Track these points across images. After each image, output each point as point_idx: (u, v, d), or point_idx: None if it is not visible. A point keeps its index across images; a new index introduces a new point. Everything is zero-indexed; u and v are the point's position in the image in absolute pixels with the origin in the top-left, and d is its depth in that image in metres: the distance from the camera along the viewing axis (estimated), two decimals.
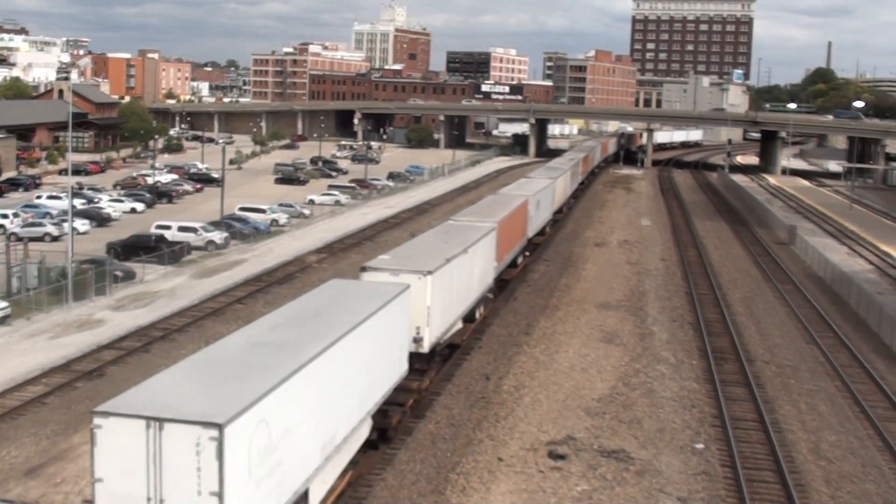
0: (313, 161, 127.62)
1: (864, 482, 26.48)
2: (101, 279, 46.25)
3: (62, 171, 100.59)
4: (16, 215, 65.48)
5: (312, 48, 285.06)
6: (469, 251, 34.93)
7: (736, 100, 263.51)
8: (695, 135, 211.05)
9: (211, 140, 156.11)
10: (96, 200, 76.80)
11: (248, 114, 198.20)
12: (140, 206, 77.61)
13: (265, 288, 49.24)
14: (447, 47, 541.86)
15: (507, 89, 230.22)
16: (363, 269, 30.12)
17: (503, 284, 48.00)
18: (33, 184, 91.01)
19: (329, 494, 21.87)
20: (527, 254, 55.92)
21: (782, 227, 76.76)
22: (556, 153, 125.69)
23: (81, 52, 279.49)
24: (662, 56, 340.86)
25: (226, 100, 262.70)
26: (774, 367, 37.56)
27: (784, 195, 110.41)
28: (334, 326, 22.01)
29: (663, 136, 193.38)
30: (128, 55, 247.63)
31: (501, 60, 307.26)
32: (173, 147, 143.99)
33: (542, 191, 59.65)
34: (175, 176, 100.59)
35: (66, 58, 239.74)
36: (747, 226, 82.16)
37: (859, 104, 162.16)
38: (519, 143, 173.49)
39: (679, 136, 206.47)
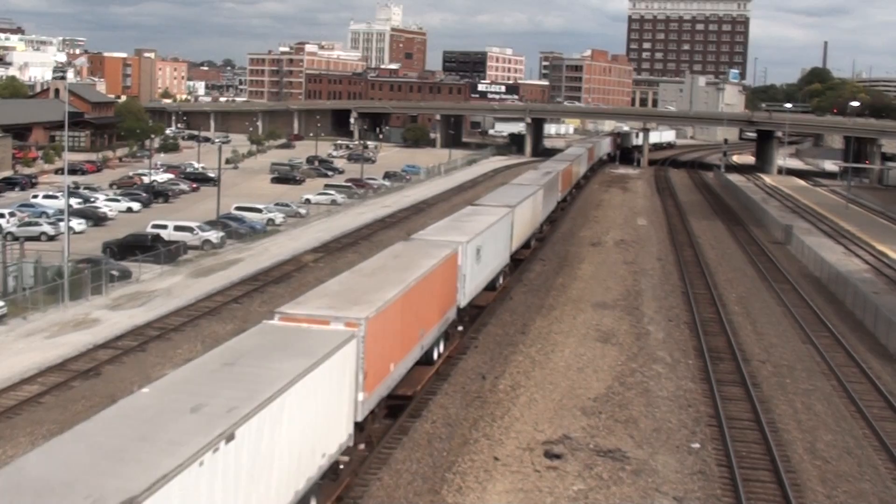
0: (309, 160, 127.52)
1: (860, 482, 26.52)
2: (98, 278, 46.19)
3: (58, 171, 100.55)
4: (12, 214, 65.35)
5: (309, 47, 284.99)
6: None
7: (732, 99, 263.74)
8: (667, 135, 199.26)
9: (207, 139, 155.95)
10: (92, 200, 76.68)
11: (245, 113, 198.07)
12: (136, 206, 77.49)
13: (261, 287, 49.23)
14: (443, 47, 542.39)
15: (503, 89, 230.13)
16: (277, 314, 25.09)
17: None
18: (29, 183, 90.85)
19: None
20: (460, 328, 38.02)
21: (778, 226, 76.83)
22: (553, 152, 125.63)
23: (78, 51, 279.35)
24: (658, 56, 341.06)
25: (222, 99, 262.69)
26: (770, 367, 37.59)
27: (780, 195, 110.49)
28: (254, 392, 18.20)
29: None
30: (124, 54, 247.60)
31: (498, 60, 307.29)
32: (169, 146, 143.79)
33: (487, 230, 41.28)
34: (171, 175, 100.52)
35: (62, 57, 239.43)
36: (743, 225, 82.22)
37: (855, 104, 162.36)
38: (515, 142, 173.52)
39: (652, 137, 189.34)
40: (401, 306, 27.54)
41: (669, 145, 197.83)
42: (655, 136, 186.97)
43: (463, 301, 36.85)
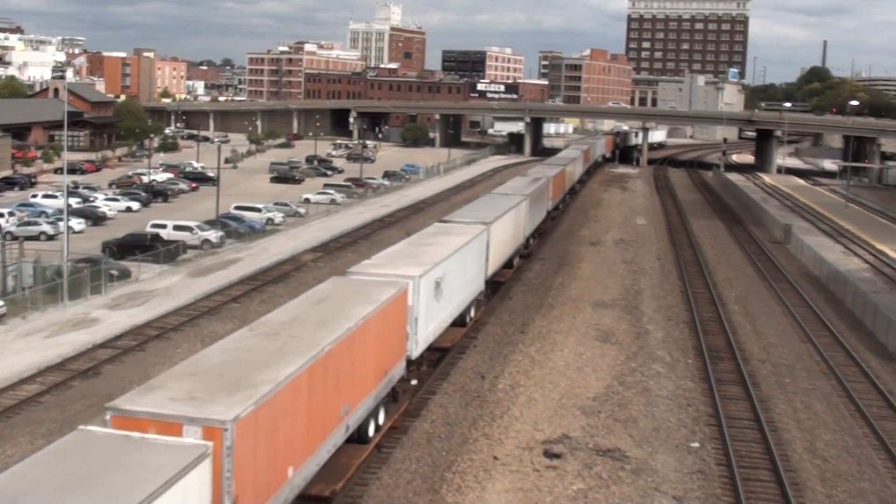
0: (309, 160, 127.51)
1: (860, 481, 26.52)
2: (97, 278, 46.18)
3: (57, 170, 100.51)
4: (11, 214, 65.34)
5: (308, 47, 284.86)
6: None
7: (731, 99, 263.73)
8: (657, 135, 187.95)
9: (206, 139, 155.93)
10: (92, 199, 76.67)
11: (244, 112, 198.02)
12: (135, 205, 77.48)
13: (260, 287, 49.22)
14: (443, 46, 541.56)
15: (502, 88, 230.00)
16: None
17: None
18: (29, 183, 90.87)
19: None
20: (413, 381, 31.18)
21: (778, 225, 76.82)
22: (552, 152, 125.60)
23: (77, 50, 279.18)
24: (658, 55, 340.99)
25: (221, 99, 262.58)
26: (770, 366, 37.59)
27: (779, 194, 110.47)
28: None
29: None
30: (123, 54, 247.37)
31: (497, 59, 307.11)
32: (169, 146, 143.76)
33: (452, 256, 34.41)
34: (170, 175, 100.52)
35: (61, 57, 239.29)
36: (743, 224, 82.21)
37: (854, 103, 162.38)
38: (514, 141, 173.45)
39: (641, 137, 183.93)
40: (308, 382, 20.33)
41: (660, 145, 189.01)
42: (634, 139, 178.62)
43: (415, 350, 29.50)
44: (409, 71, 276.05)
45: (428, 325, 30.96)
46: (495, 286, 46.77)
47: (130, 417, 16.97)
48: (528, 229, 56.28)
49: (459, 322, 36.96)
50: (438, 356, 34.73)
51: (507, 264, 49.72)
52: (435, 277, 31.43)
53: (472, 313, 39.61)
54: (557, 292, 49.95)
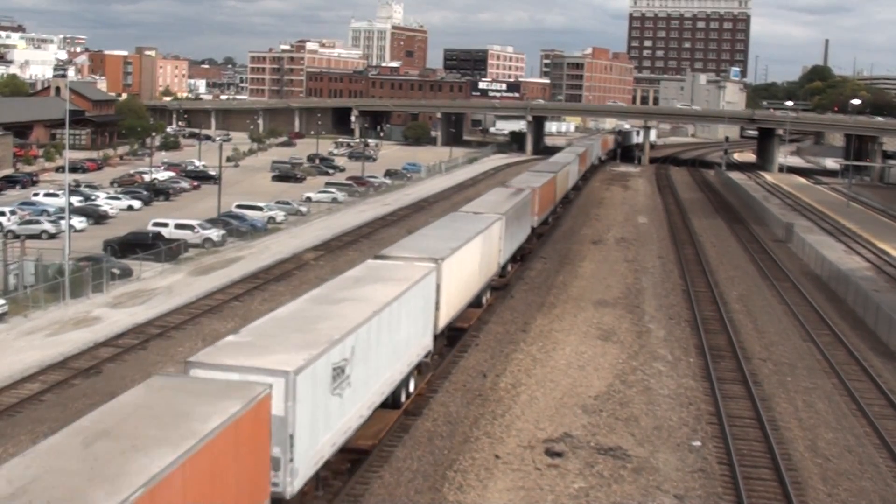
0: (310, 158, 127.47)
1: (861, 479, 26.52)
2: (98, 276, 46.21)
3: (59, 169, 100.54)
4: (13, 213, 65.34)
5: (310, 45, 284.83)
6: None
7: (733, 97, 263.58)
8: (651, 135, 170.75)
9: (208, 137, 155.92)
10: (93, 198, 76.68)
11: (246, 111, 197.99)
12: (137, 204, 77.47)
13: (262, 285, 49.23)
14: (444, 45, 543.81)
15: (504, 87, 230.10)
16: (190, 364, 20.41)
17: None
18: (30, 181, 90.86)
19: None
20: None
21: (779, 224, 76.79)
22: (554, 150, 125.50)
23: (78, 49, 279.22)
24: (660, 53, 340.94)
25: (223, 97, 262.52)
26: (771, 365, 37.58)
27: (781, 193, 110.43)
28: None
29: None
30: (125, 52, 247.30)
31: (499, 58, 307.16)
32: (170, 144, 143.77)
33: (367, 324, 24.91)
34: (172, 173, 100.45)
35: (63, 55, 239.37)
36: (744, 223, 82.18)
37: (856, 102, 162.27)
38: (516, 140, 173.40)
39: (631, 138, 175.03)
40: None
41: (651, 146, 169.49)
42: (635, 138, 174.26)
43: (291, 485, 20.19)
44: (410, 69, 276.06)
45: (317, 440, 21.49)
46: (454, 335, 37.57)
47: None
48: (503, 255, 47.09)
49: (393, 403, 28.02)
50: (350, 462, 25.12)
51: (475, 302, 40.77)
52: (332, 362, 21.93)
53: (411, 387, 30.07)
54: (559, 291, 49.95)
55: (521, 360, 36.56)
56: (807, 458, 27.96)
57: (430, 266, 31.97)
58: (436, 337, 32.86)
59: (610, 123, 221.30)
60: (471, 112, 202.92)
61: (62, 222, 55.81)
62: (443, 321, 33.61)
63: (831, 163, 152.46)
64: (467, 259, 37.62)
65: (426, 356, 31.61)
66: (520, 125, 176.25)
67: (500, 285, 47.76)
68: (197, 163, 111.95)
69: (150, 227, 60.31)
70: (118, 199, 77.70)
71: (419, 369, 31.14)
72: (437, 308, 32.60)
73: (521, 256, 55.58)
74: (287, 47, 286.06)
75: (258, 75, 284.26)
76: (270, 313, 25.08)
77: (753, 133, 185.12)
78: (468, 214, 46.40)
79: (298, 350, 21.23)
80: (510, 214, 48.45)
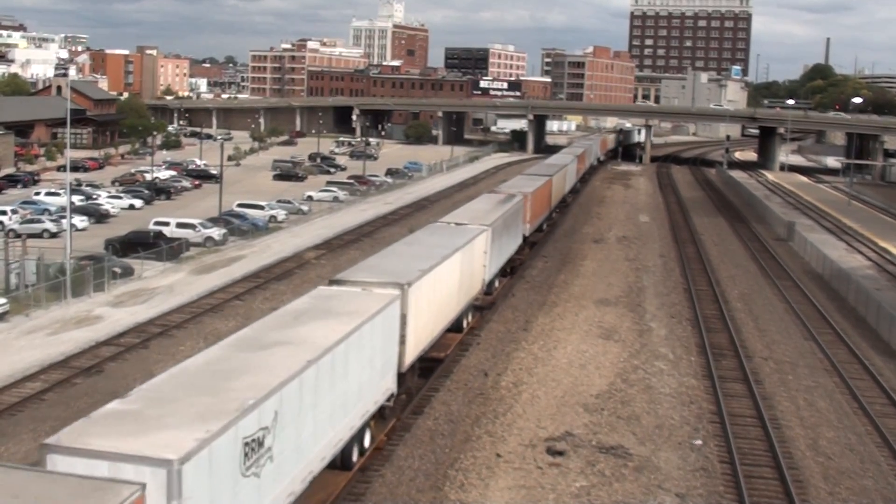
0: (311, 157, 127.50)
1: (863, 478, 26.51)
2: (100, 275, 46.22)
3: (60, 168, 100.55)
4: (14, 212, 65.40)
5: (311, 44, 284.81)
6: None
7: (734, 96, 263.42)
8: (640, 136, 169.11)
9: (209, 136, 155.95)
10: (94, 197, 76.72)
11: (247, 110, 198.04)
12: (138, 203, 77.49)
13: (263, 284, 49.24)
14: (445, 43, 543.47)
15: (505, 85, 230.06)
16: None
17: None
18: (31, 180, 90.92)
19: None
20: None
21: (781, 223, 76.77)
22: (555, 149, 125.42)
23: (80, 48, 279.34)
24: (661, 52, 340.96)
25: (224, 96, 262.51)
26: (773, 364, 37.57)
27: (782, 191, 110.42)
28: None
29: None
30: (126, 51, 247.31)
31: (500, 57, 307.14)
32: (171, 144, 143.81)
33: (293, 382, 19.63)
34: (173, 172, 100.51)
35: (64, 54, 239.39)
36: (746, 222, 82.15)
37: (858, 100, 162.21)
38: (517, 139, 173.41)
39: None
40: None
41: (639, 146, 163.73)
42: (637, 136, 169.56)
43: None
44: (411, 68, 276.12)
45: None
46: (428, 367, 32.93)
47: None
48: (489, 270, 42.31)
49: (339, 464, 23.44)
50: None
51: (455, 326, 36.05)
52: (243, 436, 17.27)
53: (368, 440, 25.49)
54: (560, 290, 49.94)
55: (522, 359, 36.56)
56: (808, 456, 27.96)
57: (392, 294, 27.17)
58: (402, 375, 28.19)
59: (611, 122, 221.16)
60: (472, 111, 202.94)
61: (63, 221, 55.82)
62: (410, 356, 28.76)
63: (832, 161, 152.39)
64: (443, 280, 32.76)
65: (388, 399, 26.79)
66: (521, 124, 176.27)
67: (485, 304, 42.30)
68: (198, 162, 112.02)
69: (152, 226, 60.33)
70: (119, 198, 77.74)
71: (382, 412, 26.64)
72: (402, 342, 27.76)
73: (511, 269, 51.10)
74: (288, 46, 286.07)
75: (259, 74, 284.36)
76: (178, 365, 20.02)
77: (755, 132, 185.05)
78: (448, 226, 41.48)
79: (195, 424, 16.35)
80: (497, 225, 43.67)
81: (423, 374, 32.45)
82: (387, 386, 26.56)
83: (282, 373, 19.39)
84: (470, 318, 39.21)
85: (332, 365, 21.69)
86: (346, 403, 22.90)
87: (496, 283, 45.52)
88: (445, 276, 33.11)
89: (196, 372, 19.47)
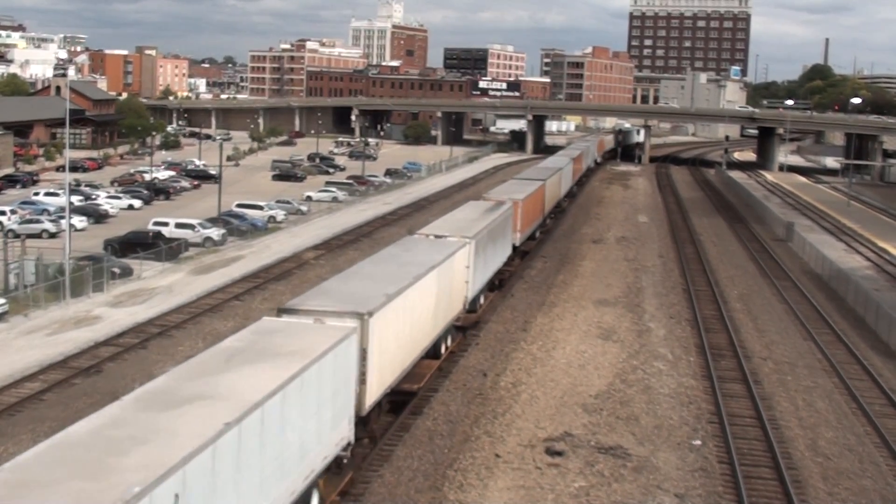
0: (311, 157, 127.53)
1: (862, 479, 26.51)
2: (99, 276, 46.21)
3: (59, 168, 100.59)
4: (13, 212, 65.39)
5: (310, 45, 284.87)
6: None
7: (733, 96, 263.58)
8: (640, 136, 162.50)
9: (208, 136, 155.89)
10: (94, 197, 76.74)
11: (246, 110, 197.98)
12: (137, 203, 77.51)
13: (262, 284, 49.23)
14: (445, 44, 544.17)
15: (504, 86, 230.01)
16: None
17: None
18: (31, 180, 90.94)
19: None
20: None
21: (780, 223, 76.78)
22: (554, 149, 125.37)
23: (79, 48, 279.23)
24: (660, 52, 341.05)
25: (223, 96, 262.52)
26: (772, 364, 37.58)
27: (781, 192, 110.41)
28: None
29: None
30: (125, 52, 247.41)
31: (499, 57, 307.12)
32: (171, 144, 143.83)
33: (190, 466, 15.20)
34: (172, 172, 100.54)
35: (63, 54, 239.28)
36: (745, 222, 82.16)
37: (857, 101, 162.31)
38: (516, 139, 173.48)
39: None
40: None
41: (638, 146, 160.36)
42: (636, 137, 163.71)
43: None
44: (411, 69, 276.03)
45: None
46: (399, 401, 29.07)
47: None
48: (472, 287, 37.90)
49: None
50: None
51: (432, 353, 32.23)
52: None
53: (317, 502, 21.58)
54: (559, 290, 49.94)
55: (521, 359, 36.56)
56: (807, 457, 27.96)
57: (349, 326, 23.20)
58: (363, 419, 24.55)
59: (610, 123, 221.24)
60: (471, 111, 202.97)
61: (62, 221, 55.78)
62: (373, 396, 25.15)
63: (832, 162, 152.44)
64: (416, 303, 29.02)
65: (346, 449, 22.93)
66: (520, 124, 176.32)
67: (468, 324, 38.16)
68: (197, 162, 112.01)
69: (151, 227, 60.33)
70: (118, 198, 77.75)
71: (339, 462, 22.82)
72: (361, 381, 24.00)
73: (499, 282, 47.43)
74: (287, 46, 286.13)
75: (258, 74, 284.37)
76: (62, 432, 15.93)
77: (754, 132, 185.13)
78: (426, 239, 37.33)
79: None
80: (482, 237, 39.65)
81: (393, 409, 28.98)
82: (341, 436, 22.53)
83: (188, 442, 15.27)
84: (449, 341, 35.24)
85: (263, 423, 17.69)
86: (283, 466, 18.88)
87: (481, 300, 41.50)
88: (418, 298, 29.27)
89: (80, 443, 15.33)
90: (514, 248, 50.99)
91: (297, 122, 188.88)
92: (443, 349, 33.97)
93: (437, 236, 37.58)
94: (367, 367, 24.20)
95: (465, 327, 37.96)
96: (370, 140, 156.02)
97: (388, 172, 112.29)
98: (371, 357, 24.37)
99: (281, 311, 24.94)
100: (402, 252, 33.80)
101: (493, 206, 47.61)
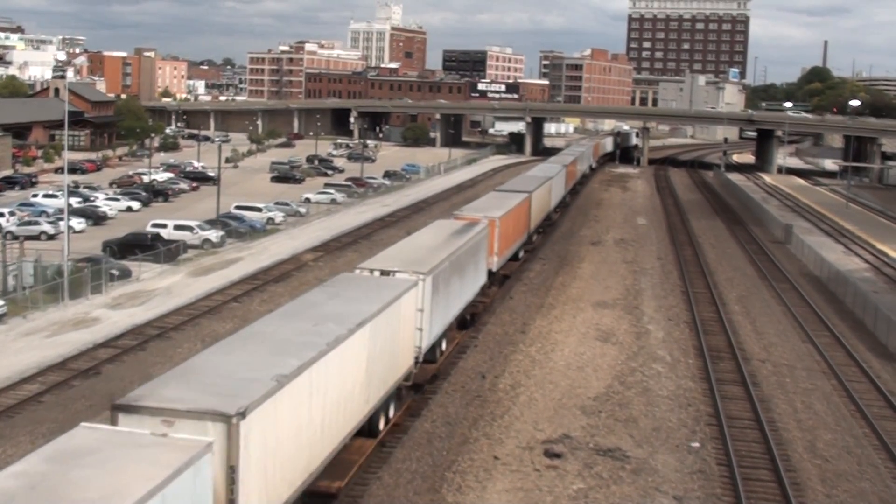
0: (309, 159, 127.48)
1: (860, 481, 26.52)
2: (98, 277, 46.18)
3: (58, 170, 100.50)
4: (12, 213, 65.32)
5: (309, 46, 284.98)
6: None
7: (732, 99, 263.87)
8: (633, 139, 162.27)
9: (207, 138, 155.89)
10: (92, 199, 76.65)
11: (245, 112, 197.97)
12: (136, 205, 77.45)
13: (261, 286, 49.22)
14: (444, 46, 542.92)
15: (503, 88, 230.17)
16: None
17: None
18: (29, 182, 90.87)
19: None
20: None
21: (778, 225, 76.81)
22: (553, 151, 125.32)
23: (77, 50, 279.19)
24: (658, 55, 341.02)
25: (222, 98, 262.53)
26: (770, 366, 37.59)
27: (780, 194, 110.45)
28: None
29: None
30: (124, 53, 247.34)
31: (498, 59, 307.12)
32: (169, 145, 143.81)
33: None
34: (171, 174, 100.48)
35: (62, 56, 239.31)
36: (743, 224, 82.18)
37: (855, 103, 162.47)
38: (515, 141, 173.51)
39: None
40: None
41: (637, 148, 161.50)
42: (634, 139, 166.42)
43: None
44: (409, 70, 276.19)
45: None
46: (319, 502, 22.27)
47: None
48: (428, 334, 30.30)
49: None
50: None
51: (367, 429, 24.94)
52: None
53: None
54: (558, 292, 49.95)
55: (520, 361, 36.56)
56: (806, 459, 27.97)
57: (201, 443, 15.89)
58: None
59: (609, 125, 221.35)
60: (470, 113, 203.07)
61: (61, 223, 55.73)
62: (331, 448, 21.15)
63: (830, 164, 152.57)
64: (333, 376, 21.44)
65: None
66: (519, 126, 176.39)
67: (423, 379, 30.97)
68: (196, 164, 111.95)
69: (149, 228, 60.32)
70: (117, 200, 77.69)
71: None
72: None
73: (471, 315, 40.59)
74: (286, 48, 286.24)
75: (257, 76, 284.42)
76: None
77: (752, 134, 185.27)
78: (367, 278, 29.84)
79: None
80: (443, 270, 32.04)
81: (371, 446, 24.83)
82: None
83: None
84: (392, 411, 27.50)
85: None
86: None
87: (443, 345, 34.08)
88: (337, 369, 21.70)
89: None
90: (491, 273, 44.41)
91: (295, 123, 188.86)
92: (381, 424, 26.22)
93: (382, 272, 30.22)
94: (240, 490, 16.65)
95: (419, 384, 30.69)
96: (369, 142, 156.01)
97: (387, 174, 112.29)
98: (244, 476, 16.80)
99: (115, 408, 17.10)
100: (328, 299, 25.75)
101: (464, 228, 39.96)
